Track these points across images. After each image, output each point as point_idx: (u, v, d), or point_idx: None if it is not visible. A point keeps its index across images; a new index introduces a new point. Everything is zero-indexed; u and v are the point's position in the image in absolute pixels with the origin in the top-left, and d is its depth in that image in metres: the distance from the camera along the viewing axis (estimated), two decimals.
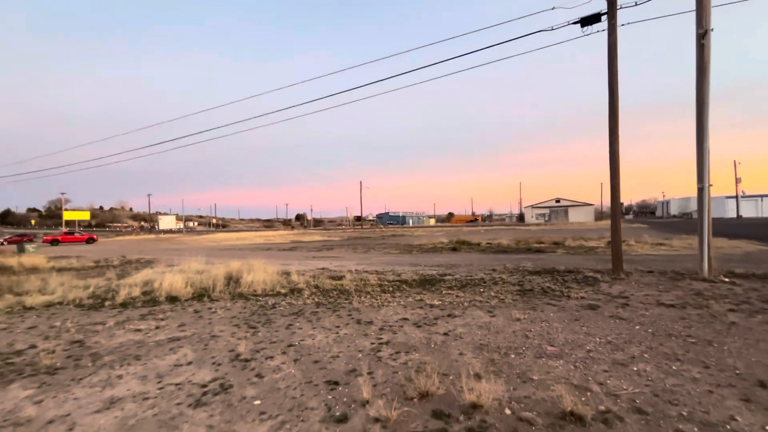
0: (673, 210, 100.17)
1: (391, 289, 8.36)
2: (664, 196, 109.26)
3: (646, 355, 3.88)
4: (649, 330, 4.77)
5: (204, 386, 3.49)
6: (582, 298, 6.87)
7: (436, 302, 6.89)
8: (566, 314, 5.74)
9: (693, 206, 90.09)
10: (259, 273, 9.98)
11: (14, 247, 28.65)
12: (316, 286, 8.92)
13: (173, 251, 24.63)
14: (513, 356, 3.99)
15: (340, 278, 9.88)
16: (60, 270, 14.82)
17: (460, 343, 4.54)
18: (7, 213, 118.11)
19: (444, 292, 7.88)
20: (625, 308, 5.98)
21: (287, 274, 10.49)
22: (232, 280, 9.86)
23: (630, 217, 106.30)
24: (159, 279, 9.42)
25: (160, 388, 3.46)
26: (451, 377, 3.48)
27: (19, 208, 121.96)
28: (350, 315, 6.17)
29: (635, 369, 3.53)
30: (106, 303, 7.80)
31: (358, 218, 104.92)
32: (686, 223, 46.66)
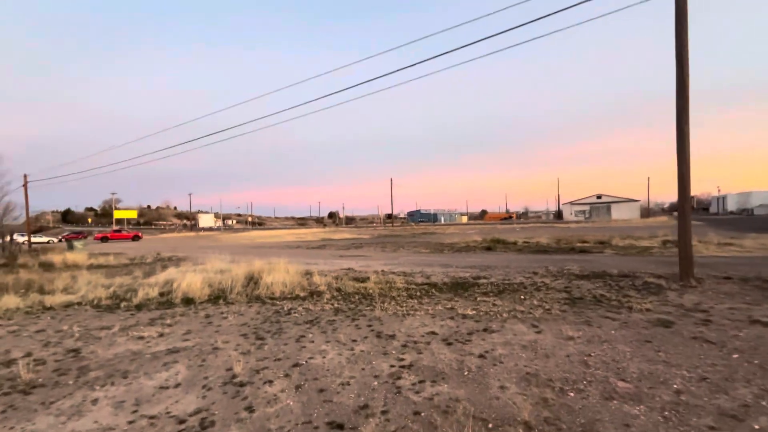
0: (731, 206, 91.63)
1: (418, 294, 7.54)
2: (719, 191, 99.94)
3: (764, 403, 2.83)
4: (754, 360, 3.65)
5: (182, 422, 2.86)
6: (647, 310, 5.71)
7: (469, 312, 6.00)
8: (632, 332, 4.67)
9: (754, 201, 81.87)
10: (281, 273, 9.49)
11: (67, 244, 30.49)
12: (338, 289, 8.26)
13: (207, 248, 25.06)
14: (572, 395, 3.06)
15: (364, 280, 9.17)
16: (96, 267, 15.22)
17: (501, 370, 3.65)
18: (68, 212, 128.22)
19: (478, 298, 6.96)
20: (708, 326, 4.81)
21: (309, 274, 9.94)
22: (252, 280, 9.43)
23: None
24: (180, 279, 9.14)
25: (131, 422, 2.87)
26: (490, 426, 2.64)
27: (78, 207, 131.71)
28: (370, 326, 5.43)
29: (757, 427, 2.51)
30: (123, 304, 7.55)
31: (389, 216, 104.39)
32: (748, 220, 42.11)
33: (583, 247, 16.17)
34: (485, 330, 5.02)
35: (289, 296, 7.82)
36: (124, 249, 27.82)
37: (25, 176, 29.48)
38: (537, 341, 4.48)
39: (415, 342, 4.61)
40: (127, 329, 5.70)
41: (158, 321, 6.18)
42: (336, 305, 6.86)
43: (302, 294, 7.93)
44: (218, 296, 7.98)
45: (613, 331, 4.74)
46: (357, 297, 7.49)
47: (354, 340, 4.77)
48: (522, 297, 6.95)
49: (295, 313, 6.41)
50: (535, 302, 6.52)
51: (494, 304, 6.45)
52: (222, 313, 6.63)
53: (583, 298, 6.69)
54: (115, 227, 64.28)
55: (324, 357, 4.21)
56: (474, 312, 5.98)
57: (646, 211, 76.88)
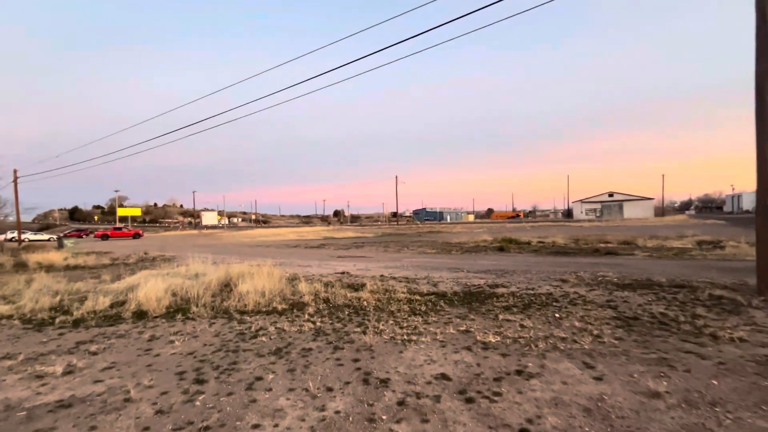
0: (746, 204, 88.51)
1: (423, 308, 6.04)
2: (733, 189, 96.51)
3: None
4: None
5: None
6: (741, 340, 4.15)
7: (491, 338, 4.48)
8: (745, 384, 3.12)
9: None
10: (262, 279, 8.06)
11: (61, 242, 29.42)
12: (326, 300, 6.80)
13: (202, 247, 23.76)
14: None
15: (359, 288, 7.70)
16: (71, 268, 13.94)
17: None
18: (75, 210, 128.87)
19: (500, 316, 5.44)
20: None
21: (296, 280, 8.48)
22: (227, 287, 8.02)
23: (692, 212, 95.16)
24: (143, 285, 7.75)
25: None
26: None
27: (86, 205, 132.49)
28: (357, 360, 3.94)
29: None
30: (59, 319, 6.12)
31: (395, 214, 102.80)
32: None
33: (608, 248, 14.52)
34: (519, 372, 3.50)
35: (264, 309, 6.35)
36: (116, 247, 26.68)
37: (15, 171, 28.47)
38: (603, 398, 2.95)
39: (418, 395, 3.11)
40: (34, 360, 4.27)
41: (85, 346, 4.75)
42: (319, 323, 5.39)
43: (281, 306, 6.46)
44: (179, 308, 6.54)
45: (714, 381, 3.18)
46: (347, 311, 6.01)
47: (329, 389, 3.28)
48: (557, 315, 5.41)
49: (263, 335, 4.94)
50: (576, 323, 4.98)
51: (522, 326, 4.93)
52: (172, 334, 5.17)
53: (638, 318, 5.13)
54: (117, 225, 63.60)
55: (276, 425, 2.72)
56: (498, 338, 4.47)
57: (661, 210, 74.50)
